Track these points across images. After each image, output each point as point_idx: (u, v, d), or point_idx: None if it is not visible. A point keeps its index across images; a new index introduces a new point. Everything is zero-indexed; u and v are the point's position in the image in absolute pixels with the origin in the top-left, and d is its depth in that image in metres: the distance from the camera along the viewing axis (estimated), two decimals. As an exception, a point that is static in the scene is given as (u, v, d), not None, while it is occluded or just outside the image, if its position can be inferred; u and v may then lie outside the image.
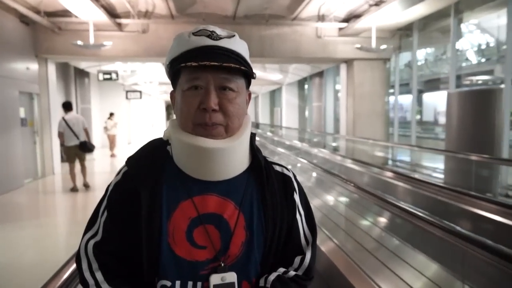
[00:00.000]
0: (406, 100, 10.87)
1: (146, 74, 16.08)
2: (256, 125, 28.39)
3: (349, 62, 10.60)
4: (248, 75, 0.91)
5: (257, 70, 15.48)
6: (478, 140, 6.00)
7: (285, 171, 0.99)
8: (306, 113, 19.12)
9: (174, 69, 0.88)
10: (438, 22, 9.20)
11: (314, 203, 4.60)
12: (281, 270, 0.92)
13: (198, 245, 0.86)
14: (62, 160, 10.53)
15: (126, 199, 0.87)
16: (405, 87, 10.78)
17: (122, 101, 18.51)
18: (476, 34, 8.90)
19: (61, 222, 6.19)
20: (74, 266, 1.39)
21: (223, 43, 0.86)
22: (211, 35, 0.86)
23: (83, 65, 12.63)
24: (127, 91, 18.51)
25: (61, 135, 7.00)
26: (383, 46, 8.82)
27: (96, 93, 16.65)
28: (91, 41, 7.60)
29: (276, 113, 24.34)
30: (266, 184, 0.92)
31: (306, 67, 14.51)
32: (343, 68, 11.04)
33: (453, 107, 6.77)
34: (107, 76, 11.83)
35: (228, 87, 0.86)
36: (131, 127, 20.28)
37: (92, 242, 0.89)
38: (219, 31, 0.88)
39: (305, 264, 0.95)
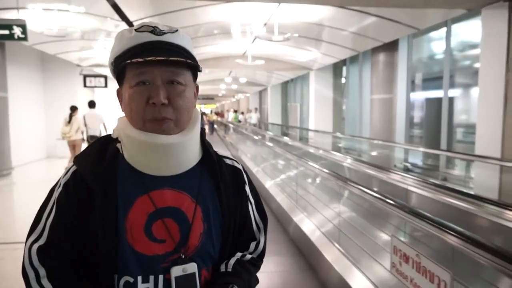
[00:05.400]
0: None
1: (106, 46, 10.07)
2: (264, 126, 22.42)
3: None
4: (194, 68, 0.91)
5: (272, 46, 9.45)
6: None
7: (236, 164, 1.02)
8: (344, 111, 13.33)
9: (120, 67, 0.86)
10: None
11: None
12: (239, 254, 0.98)
13: (157, 239, 0.86)
14: None
15: (77, 199, 0.85)
16: None
17: (79, 89, 12.70)
18: None
19: None
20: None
21: (167, 38, 0.87)
22: (154, 31, 0.86)
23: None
24: (85, 76, 12.70)
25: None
26: None
27: (30, 75, 10.92)
28: None
29: (293, 111, 18.42)
30: (220, 176, 0.94)
31: (357, 37, 8.69)
32: (500, 13, 5.25)
33: None
34: (4, 32, 5.85)
35: (176, 80, 0.87)
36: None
37: (36, 246, 0.84)
38: (161, 26, 0.88)
39: (259, 249, 1.03)
